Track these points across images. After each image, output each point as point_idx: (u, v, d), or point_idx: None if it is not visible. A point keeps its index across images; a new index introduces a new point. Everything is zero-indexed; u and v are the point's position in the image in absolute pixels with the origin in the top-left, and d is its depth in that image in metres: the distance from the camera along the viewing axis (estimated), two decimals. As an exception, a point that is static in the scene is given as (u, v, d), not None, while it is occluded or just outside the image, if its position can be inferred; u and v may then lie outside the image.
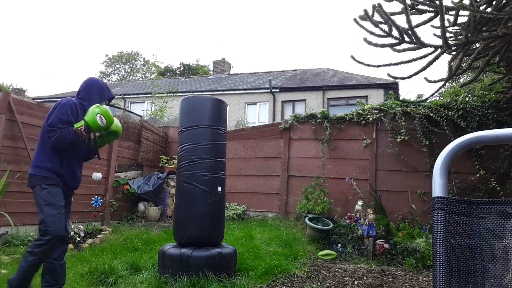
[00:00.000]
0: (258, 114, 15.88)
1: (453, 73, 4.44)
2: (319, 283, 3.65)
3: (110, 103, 3.57)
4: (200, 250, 3.38)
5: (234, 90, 16.47)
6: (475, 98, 5.95)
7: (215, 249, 3.44)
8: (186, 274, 3.21)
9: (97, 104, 2.85)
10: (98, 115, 2.79)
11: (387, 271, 4.33)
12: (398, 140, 6.01)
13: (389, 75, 4.64)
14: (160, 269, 3.46)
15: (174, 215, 3.78)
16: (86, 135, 2.78)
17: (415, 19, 4.16)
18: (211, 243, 3.54)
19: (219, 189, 3.59)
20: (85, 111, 2.85)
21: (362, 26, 4.26)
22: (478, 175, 5.46)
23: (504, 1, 3.79)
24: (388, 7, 5.70)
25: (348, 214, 5.56)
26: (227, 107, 16.13)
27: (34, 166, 2.77)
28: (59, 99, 2.98)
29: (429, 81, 4.69)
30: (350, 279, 3.90)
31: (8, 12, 49.53)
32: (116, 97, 16.59)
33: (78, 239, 5.08)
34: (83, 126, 2.74)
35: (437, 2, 3.58)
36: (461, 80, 11.31)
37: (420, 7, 4.16)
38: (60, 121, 2.72)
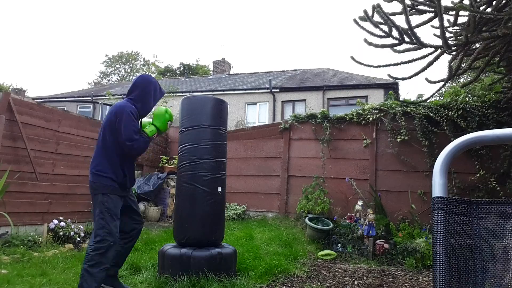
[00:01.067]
0: (258, 114, 15.87)
1: (453, 74, 4.44)
2: (319, 283, 3.65)
3: (111, 103, 3.60)
4: (201, 250, 3.38)
5: (234, 90, 16.46)
6: (475, 98, 5.95)
7: (216, 249, 3.44)
8: (186, 274, 3.21)
9: (165, 108, 2.93)
10: (169, 121, 2.92)
11: (387, 271, 4.33)
12: (398, 140, 6.01)
13: (389, 75, 4.64)
14: (160, 269, 3.46)
15: (175, 215, 3.77)
16: (155, 139, 2.92)
17: (415, 19, 4.17)
18: (212, 243, 3.54)
19: (220, 189, 3.59)
20: (138, 114, 2.88)
21: (362, 27, 4.25)
22: (478, 175, 5.46)
23: (504, 1, 3.79)
24: (387, 8, 5.71)
25: (348, 214, 5.56)
26: (227, 107, 16.11)
27: (97, 174, 2.81)
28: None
29: (430, 82, 4.69)
30: (350, 279, 3.90)
31: (8, 12, 49.53)
32: (116, 97, 16.59)
33: (78, 239, 5.09)
34: (155, 133, 2.86)
35: (436, 2, 3.58)
36: (461, 80, 11.32)
37: (420, 7, 4.16)
38: (135, 132, 2.78)
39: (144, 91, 2.91)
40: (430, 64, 4.32)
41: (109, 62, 35.78)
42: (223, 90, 16.61)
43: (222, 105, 3.84)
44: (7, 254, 4.06)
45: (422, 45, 4.03)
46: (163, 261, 3.45)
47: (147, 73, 34.67)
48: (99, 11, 55.47)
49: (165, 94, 14.15)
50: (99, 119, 13.25)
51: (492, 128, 5.07)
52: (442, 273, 1.05)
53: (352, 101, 13.63)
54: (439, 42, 3.94)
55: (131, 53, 35.79)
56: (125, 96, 3.00)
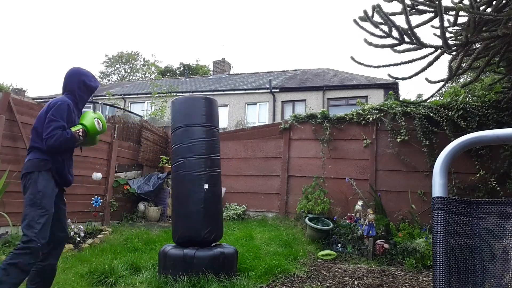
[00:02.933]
0: (258, 114, 15.88)
1: (453, 74, 4.44)
2: (319, 283, 3.65)
3: (111, 103, 3.58)
4: (203, 250, 3.38)
5: (234, 90, 16.47)
6: (475, 98, 5.95)
7: (218, 249, 3.45)
8: (188, 274, 3.21)
9: (92, 110, 2.82)
10: (96, 119, 2.77)
11: (387, 271, 4.33)
12: (398, 140, 6.01)
13: (389, 75, 4.64)
14: (162, 270, 3.46)
15: (171, 214, 3.79)
16: (82, 140, 2.69)
17: (415, 19, 4.17)
18: (203, 241, 3.49)
19: (206, 186, 3.57)
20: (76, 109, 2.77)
21: (362, 27, 4.25)
22: (478, 175, 5.46)
23: (504, 2, 3.79)
24: (387, 8, 5.71)
25: (348, 214, 5.56)
26: (227, 107, 16.16)
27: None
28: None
29: (430, 82, 4.69)
30: (350, 279, 3.90)
31: (8, 12, 49.54)
32: (116, 97, 16.59)
33: (78, 239, 5.08)
34: (81, 130, 2.67)
35: (436, 3, 3.58)
36: (461, 80, 11.32)
37: (420, 7, 4.16)
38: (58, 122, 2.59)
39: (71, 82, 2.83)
40: (430, 64, 4.32)
41: (109, 62, 35.80)
42: (223, 90, 16.61)
43: (212, 103, 3.82)
44: (7, 254, 4.05)
45: (422, 45, 4.03)
46: (164, 261, 3.45)
47: (146, 73, 34.77)
48: (99, 11, 55.50)
49: (165, 94, 14.05)
50: (99, 119, 13.24)
51: (492, 128, 5.07)
52: (442, 273, 1.05)
53: (352, 101, 13.63)
54: (439, 42, 3.95)
55: (131, 53, 35.80)
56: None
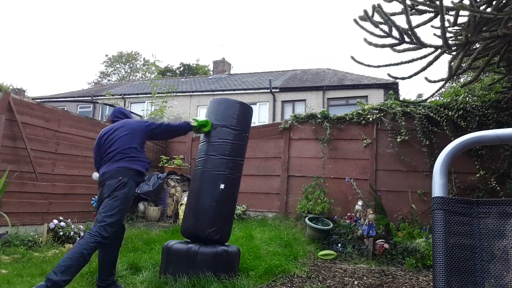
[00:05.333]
0: (258, 114, 15.86)
1: (453, 73, 4.44)
2: (319, 283, 3.65)
3: (111, 103, 3.73)
4: (207, 246, 3.39)
5: (234, 90, 16.46)
6: (475, 98, 5.95)
7: (222, 247, 3.45)
8: (192, 270, 3.22)
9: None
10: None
11: (387, 271, 4.33)
12: (398, 140, 6.01)
13: (389, 75, 4.64)
14: (164, 264, 3.46)
15: (185, 208, 3.85)
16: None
17: (415, 19, 4.16)
18: (207, 239, 3.48)
19: (222, 186, 3.59)
20: None
21: (362, 27, 4.25)
22: (478, 175, 5.46)
23: (504, 1, 3.79)
24: (388, 8, 5.70)
25: (348, 214, 5.56)
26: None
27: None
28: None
29: (430, 81, 4.69)
30: (350, 279, 3.90)
31: (8, 12, 49.54)
32: (116, 97, 16.59)
33: (78, 239, 5.08)
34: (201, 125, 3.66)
35: (437, 3, 3.58)
36: (461, 80, 11.31)
37: (420, 7, 4.15)
38: None
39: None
40: (430, 64, 4.32)
41: (109, 62, 35.78)
42: (223, 90, 16.60)
43: (242, 107, 3.86)
44: (7, 254, 4.06)
45: (422, 45, 4.03)
46: (167, 256, 3.45)
47: (146, 73, 34.77)
48: (99, 11, 55.49)
49: (165, 94, 14.04)
50: (99, 119, 13.26)
51: (492, 128, 5.07)
52: (442, 273, 1.05)
53: (352, 101, 13.63)
54: (439, 42, 3.95)
55: (131, 53, 35.79)
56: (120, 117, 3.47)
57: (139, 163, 3.15)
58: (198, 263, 3.26)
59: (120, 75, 35.60)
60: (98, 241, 2.80)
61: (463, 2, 4.10)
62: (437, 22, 3.83)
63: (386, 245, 4.92)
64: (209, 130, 3.62)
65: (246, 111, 3.89)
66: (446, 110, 5.70)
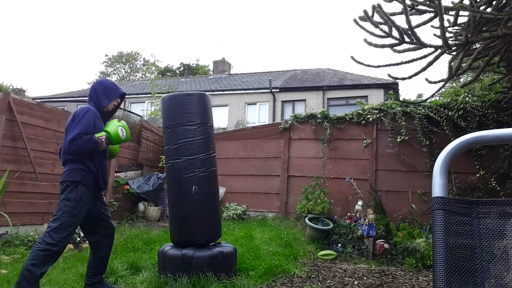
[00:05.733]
0: (258, 114, 15.88)
1: (453, 74, 4.44)
2: (319, 283, 3.65)
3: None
4: (202, 250, 3.37)
5: (234, 90, 16.47)
6: (475, 98, 5.95)
7: (216, 248, 3.43)
8: (188, 274, 3.20)
9: (117, 119, 2.98)
10: (120, 127, 2.85)
11: (387, 271, 4.33)
12: (398, 140, 6.01)
13: (389, 75, 4.64)
14: (161, 270, 3.45)
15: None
16: (105, 146, 2.84)
17: (415, 19, 4.16)
18: (197, 244, 3.42)
19: (195, 188, 3.46)
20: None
21: (362, 27, 4.25)
22: (478, 175, 5.46)
23: (504, 1, 3.79)
24: (387, 8, 5.70)
25: (348, 214, 5.56)
26: (227, 107, 16.16)
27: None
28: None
29: (430, 82, 4.70)
30: (350, 279, 3.90)
31: (8, 12, 49.53)
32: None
33: (78, 239, 5.08)
34: (104, 136, 2.80)
35: (436, 2, 3.58)
36: (461, 80, 11.31)
37: (420, 7, 4.15)
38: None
39: (96, 93, 3.05)
40: (430, 64, 4.32)
41: (109, 62, 35.78)
42: (223, 90, 16.61)
43: (194, 99, 3.60)
44: (7, 254, 4.06)
45: (422, 45, 4.03)
46: (163, 261, 3.44)
47: (146, 73, 34.76)
48: (99, 11, 55.49)
49: (165, 94, 14.19)
50: (99, 119, 13.23)
51: (492, 128, 5.07)
52: (442, 273, 1.05)
53: (352, 101, 13.64)
54: (439, 42, 3.95)
55: (131, 53, 35.80)
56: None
57: None
58: (194, 267, 3.24)
59: (120, 75, 35.60)
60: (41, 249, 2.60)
61: (463, 2, 4.10)
62: (437, 22, 3.83)
63: (386, 245, 4.92)
64: (119, 142, 2.98)
65: (201, 101, 3.61)
66: (446, 110, 5.70)
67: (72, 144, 2.72)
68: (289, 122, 7.06)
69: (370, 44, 4.30)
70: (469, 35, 3.82)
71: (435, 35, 4.51)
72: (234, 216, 6.75)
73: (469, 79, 6.04)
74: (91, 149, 2.78)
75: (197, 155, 3.51)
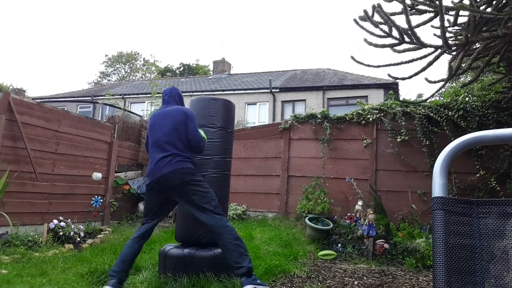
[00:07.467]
0: (258, 114, 15.88)
1: (453, 73, 4.44)
2: (319, 283, 3.65)
3: (111, 103, 3.71)
4: (203, 250, 3.37)
5: (234, 90, 16.47)
6: (475, 98, 5.95)
7: (218, 249, 3.43)
8: (188, 274, 3.20)
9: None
10: None
11: (387, 271, 4.32)
12: (398, 140, 6.01)
13: (389, 75, 4.64)
14: (161, 269, 3.45)
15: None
16: None
17: (415, 19, 4.17)
18: (197, 242, 3.45)
19: None
20: None
21: (362, 27, 4.25)
22: (478, 175, 5.45)
23: (504, 1, 3.79)
24: (388, 8, 5.71)
25: (348, 214, 5.55)
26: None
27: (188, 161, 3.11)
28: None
29: (430, 82, 4.69)
30: (350, 279, 3.90)
31: (8, 12, 49.53)
32: (116, 97, 16.59)
33: (78, 239, 5.09)
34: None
35: (437, 2, 3.58)
36: (461, 80, 11.31)
37: (420, 7, 4.16)
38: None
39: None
40: (430, 64, 4.32)
41: (109, 62, 35.80)
42: (223, 90, 16.60)
43: (218, 104, 3.74)
44: (7, 254, 4.06)
45: (422, 45, 4.03)
46: (164, 261, 3.44)
47: (146, 73, 34.77)
48: (99, 11, 55.49)
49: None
50: (99, 119, 13.25)
51: (492, 128, 5.07)
52: (442, 273, 1.05)
53: (352, 101, 13.64)
54: (439, 42, 3.95)
55: (131, 53, 35.81)
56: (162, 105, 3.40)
57: None
58: (195, 267, 3.24)
59: (120, 75, 35.61)
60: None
61: (463, 2, 4.10)
62: (437, 22, 3.84)
63: (386, 245, 4.92)
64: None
65: (226, 107, 3.79)
66: (446, 110, 5.70)
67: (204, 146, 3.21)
68: (289, 122, 7.06)
69: (370, 44, 4.31)
70: (469, 35, 3.83)
71: (435, 35, 4.52)
72: (234, 216, 6.75)
73: (469, 79, 6.04)
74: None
75: (213, 157, 3.62)
